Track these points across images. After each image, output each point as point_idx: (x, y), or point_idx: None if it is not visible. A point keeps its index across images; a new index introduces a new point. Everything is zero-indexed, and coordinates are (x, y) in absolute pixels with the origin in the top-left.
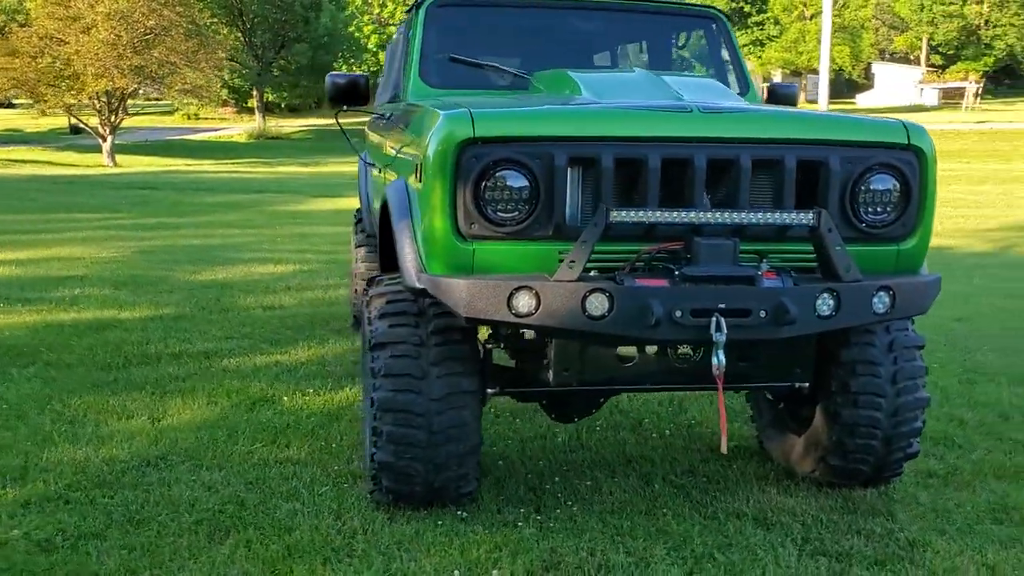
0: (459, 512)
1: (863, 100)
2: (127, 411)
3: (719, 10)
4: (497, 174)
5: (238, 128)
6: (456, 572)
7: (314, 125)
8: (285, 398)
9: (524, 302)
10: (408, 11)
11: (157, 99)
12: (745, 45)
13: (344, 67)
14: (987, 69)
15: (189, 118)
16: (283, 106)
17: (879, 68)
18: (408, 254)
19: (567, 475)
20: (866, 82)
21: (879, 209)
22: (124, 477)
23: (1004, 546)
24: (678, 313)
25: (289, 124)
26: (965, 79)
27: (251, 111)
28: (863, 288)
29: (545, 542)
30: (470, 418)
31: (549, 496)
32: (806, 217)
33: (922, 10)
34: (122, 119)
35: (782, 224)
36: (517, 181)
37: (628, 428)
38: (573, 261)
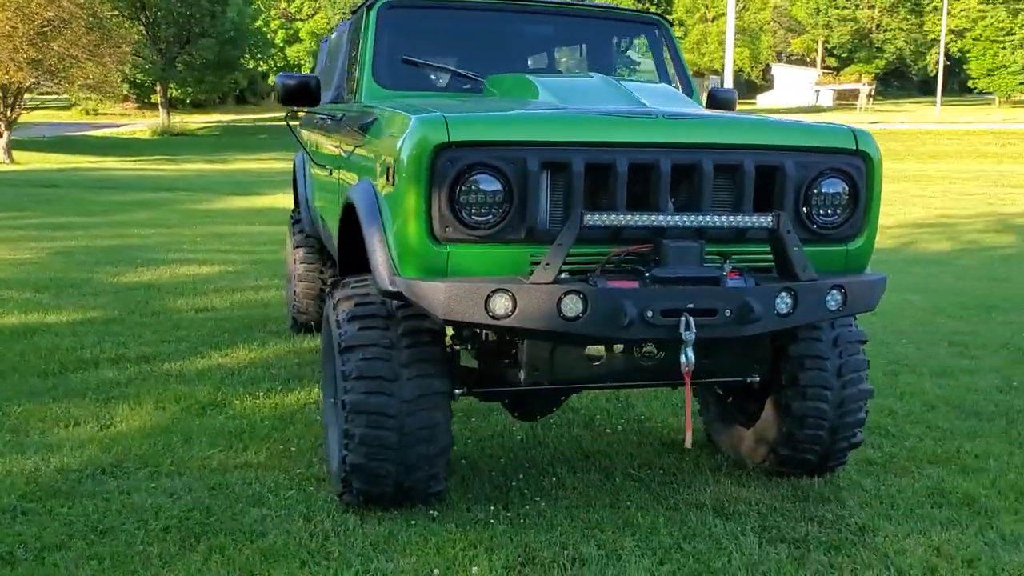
0: (430, 512)
1: (763, 100)
2: (72, 418)
3: (662, 16)
4: (471, 178)
5: (141, 124)
6: (435, 571)
7: (219, 121)
8: (236, 402)
9: (501, 304)
10: (354, 11)
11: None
12: None
13: (252, 63)
14: (878, 71)
15: (88, 113)
16: (188, 102)
17: (778, 70)
18: (379, 257)
19: (529, 472)
20: (765, 83)
21: (830, 211)
22: (80, 486)
23: (946, 528)
24: (649, 313)
25: (194, 120)
26: (859, 81)
27: (153, 107)
28: (818, 287)
29: (518, 537)
30: (441, 419)
31: (515, 493)
32: (766, 220)
33: (818, 14)
34: (18, 114)
35: (744, 226)
36: (491, 185)
37: (581, 424)
38: (548, 264)
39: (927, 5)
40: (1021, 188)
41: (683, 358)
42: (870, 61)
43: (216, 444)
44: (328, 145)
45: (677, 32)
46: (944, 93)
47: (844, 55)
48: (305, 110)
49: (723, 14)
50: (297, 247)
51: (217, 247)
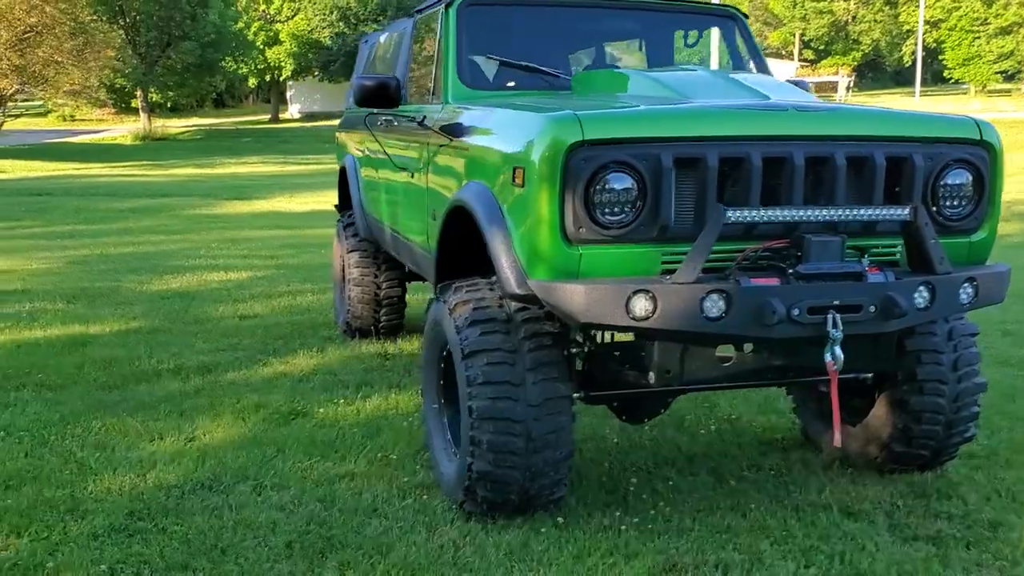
0: (555, 518)
1: None
2: (154, 432)
3: (738, 9)
4: (605, 177)
5: (121, 129)
6: None
7: (199, 125)
8: (319, 410)
9: (641, 305)
10: (419, 10)
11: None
12: None
13: (234, 65)
14: (855, 63)
15: (65, 120)
16: (167, 106)
17: None
18: (505, 260)
19: (639, 475)
20: None
21: (955, 203)
22: (185, 502)
23: None
24: (796, 311)
25: (174, 125)
26: (836, 73)
27: (131, 112)
28: (953, 280)
29: (652, 544)
30: (565, 423)
31: (633, 497)
32: (903, 212)
33: (794, 7)
34: (2, 122)
35: (881, 219)
36: (624, 183)
37: (673, 426)
38: (690, 262)
39: None
40: (1012, 176)
41: (829, 356)
42: (847, 53)
43: (311, 454)
44: (408, 148)
45: None
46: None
47: (821, 47)
48: (345, 111)
49: None
50: (351, 251)
51: (236, 252)
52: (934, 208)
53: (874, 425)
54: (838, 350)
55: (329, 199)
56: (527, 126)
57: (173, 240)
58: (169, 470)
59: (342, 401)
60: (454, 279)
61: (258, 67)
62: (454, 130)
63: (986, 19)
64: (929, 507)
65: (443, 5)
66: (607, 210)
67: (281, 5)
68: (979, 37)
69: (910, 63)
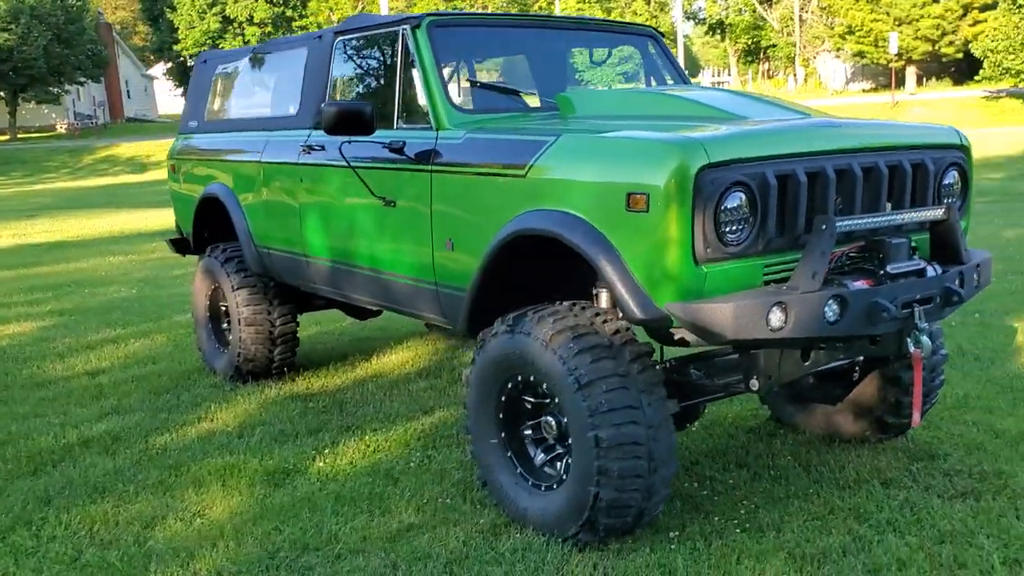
0: (669, 533)
1: None
2: (142, 516)
3: (655, 28)
4: (728, 196)
5: None
6: None
7: None
8: (306, 464)
9: (777, 317)
10: (341, 31)
11: None
12: None
13: None
14: None
15: None
16: None
17: None
18: (624, 286)
19: (713, 478)
20: None
21: (951, 200)
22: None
23: None
24: (894, 308)
25: None
26: None
27: None
28: (970, 268)
29: (759, 544)
30: (675, 440)
31: (725, 500)
32: (939, 211)
33: None
34: None
35: (927, 219)
36: (742, 201)
37: (706, 426)
38: (815, 272)
39: None
40: None
41: (913, 346)
42: None
43: (356, 511)
44: (395, 177)
45: None
46: None
47: None
48: (186, 136)
49: None
50: (239, 288)
51: None
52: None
53: (864, 401)
54: (925, 339)
55: (68, 226)
56: (643, 151)
57: None
58: (211, 555)
59: (315, 453)
60: (488, 311)
61: None
62: (491, 157)
63: None
64: (940, 467)
65: (408, 26)
66: (730, 229)
67: None
68: None
69: None
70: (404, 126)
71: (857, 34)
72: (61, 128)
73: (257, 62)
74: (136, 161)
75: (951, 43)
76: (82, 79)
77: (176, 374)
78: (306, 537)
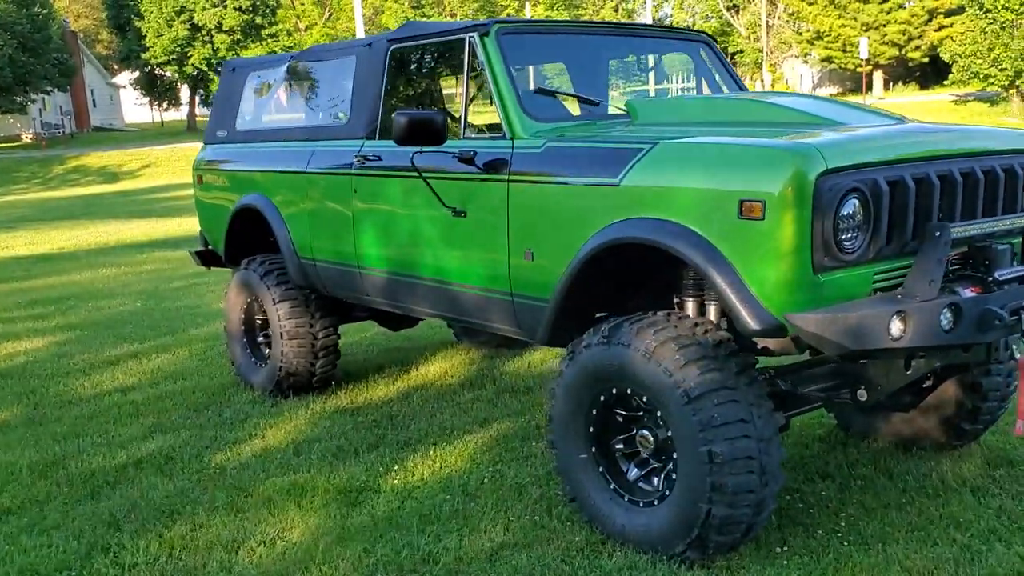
0: (775, 549)
1: None
2: (234, 540)
3: (709, 34)
4: (846, 203)
5: None
6: None
7: None
8: (379, 482)
9: (897, 326)
10: (395, 39)
11: None
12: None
13: None
14: None
15: None
16: None
17: None
18: (737, 298)
19: (808, 489)
20: None
21: None
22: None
23: None
24: (1007, 316)
25: None
26: None
27: None
28: None
29: (870, 558)
30: (783, 452)
31: (821, 512)
32: None
33: None
34: None
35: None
36: (857, 208)
37: (810, 440)
38: (932, 280)
39: None
40: None
41: (1019, 353)
42: None
43: (444, 530)
44: (471, 186)
45: None
46: None
47: None
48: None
49: None
50: (280, 301)
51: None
52: None
53: (940, 409)
54: None
55: (50, 238)
56: (757, 158)
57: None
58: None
59: (383, 469)
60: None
61: None
62: (578, 166)
63: None
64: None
65: (477, 33)
66: (847, 236)
67: None
68: None
69: None
70: (472, 135)
71: (825, 39)
72: (27, 138)
73: (296, 70)
74: (107, 171)
75: (917, 48)
76: (48, 88)
77: (210, 389)
78: (400, 559)
